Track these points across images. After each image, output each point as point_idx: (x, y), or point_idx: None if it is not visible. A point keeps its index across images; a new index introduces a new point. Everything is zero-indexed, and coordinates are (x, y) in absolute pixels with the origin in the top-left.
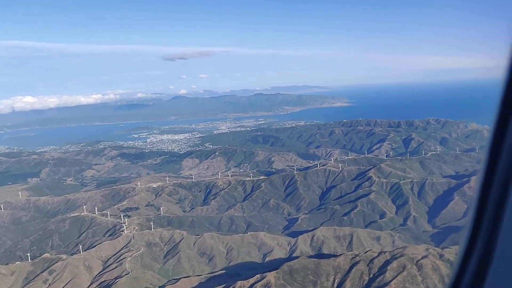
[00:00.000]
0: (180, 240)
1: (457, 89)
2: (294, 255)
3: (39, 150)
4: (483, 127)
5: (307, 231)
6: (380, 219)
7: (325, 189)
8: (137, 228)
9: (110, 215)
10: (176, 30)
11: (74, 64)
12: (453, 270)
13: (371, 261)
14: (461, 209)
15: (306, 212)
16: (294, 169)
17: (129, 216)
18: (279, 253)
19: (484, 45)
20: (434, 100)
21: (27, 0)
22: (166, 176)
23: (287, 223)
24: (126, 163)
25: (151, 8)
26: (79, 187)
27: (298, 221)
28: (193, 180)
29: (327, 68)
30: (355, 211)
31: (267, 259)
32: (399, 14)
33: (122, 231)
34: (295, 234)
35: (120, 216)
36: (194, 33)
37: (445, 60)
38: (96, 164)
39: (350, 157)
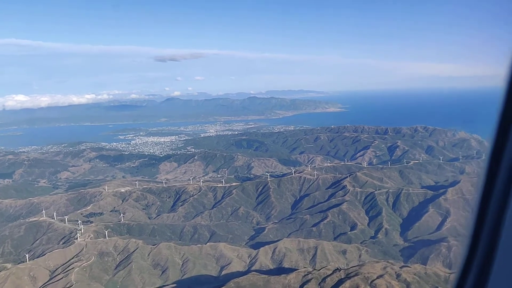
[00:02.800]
0: (135, 250)
1: (455, 97)
2: (253, 268)
3: (20, 150)
4: (471, 136)
5: (270, 243)
6: (350, 230)
7: (298, 198)
8: (92, 236)
9: (69, 221)
10: (168, 31)
11: (70, 63)
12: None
13: (324, 279)
14: (435, 222)
15: (276, 221)
16: (268, 175)
17: (91, 222)
18: (237, 266)
19: (484, 53)
20: (430, 107)
21: None
22: (136, 180)
23: (254, 232)
24: (103, 165)
25: (145, 9)
26: (50, 189)
27: (265, 231)
28: (164, 185)
29: (324, 73)
30: (325, 221)
31: (224, 272)
32: (398, 20)
33: (76, 238)
34: (259, 245)
35: (78, 222)
36: (186, 35)
37: (444, 68)
38: (73, 166)
39: (329, 164)
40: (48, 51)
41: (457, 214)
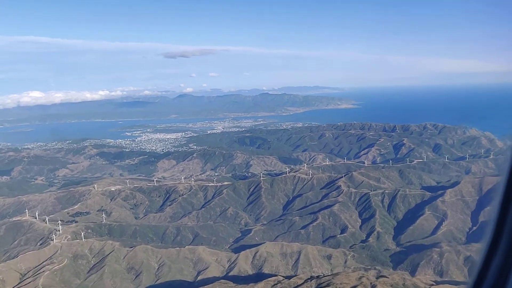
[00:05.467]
0: (110, 253)
1: (473, 93)
2: (231, 273)
3: (24, 147)
4: (483, 134)
5: (254, 246)
6: (340, 234)
7: (291, 198)
8: (69, 237)
9: (53, 221)
10: (187, 28)
11: (87, 60)
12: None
13: None
14: (430, 225)
15: (265, 223)
16: (261, 175)
17: (75, 222)
18: (214, 271)
19: (504, 49)
20: (446, 104)
21: None
22: (129, 178)
23: (240, 234)
24: (103, 162)
25: (162, 5)
26: (45, 187)
27: (251, 234)
28: (155, 183)
29: (340, 69)
30: (314, 224)
31: (200, 277)
32: (416, 16)
33: (52, 240)
34: (243, 248)
35: (58, 222)
36: (202, 32)
37: (463, 64)
38: (72, 163)
39: (327, 163)
40: (66, 48)
41: (454, 217)
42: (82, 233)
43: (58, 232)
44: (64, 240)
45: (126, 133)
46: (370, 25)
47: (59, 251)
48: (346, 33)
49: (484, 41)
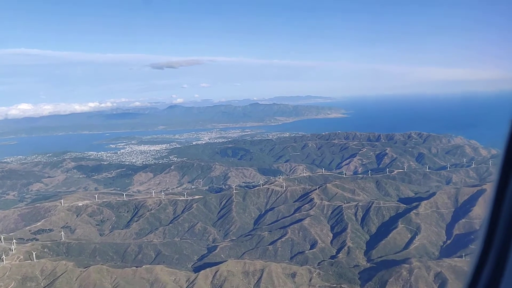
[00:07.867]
0: (62, 274)
1: (464, 101)
2: None
3: (3, 161)
4: (468, 142)
5: (219, 264)
6: (310, 249)
7: (263, 212)
8: (21, 257)
9: (10, 240)
10: (165, 38)
11: (79, 72)
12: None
13: None
14: (403, 239)
15: (234, 238)
16: (233, 187)
17: (37, 240)
18: None
19: (494, 57)
20: (436, 112)
21: (33, 8)
22: (99, 193)
23: (206, 251)
24: (80, 176)
25: (156, 16)
26: (14, 202)
27: (216, 250)
28: (124, 198)
29: (333, 78)
30: (283, 239)
31: None
32: (408, 25)
33: (2, 261)
34: (206, 266)
35: (13, 241)
36: (185, 42)
37: (456, 72)
38: (48, 177)
39: (304, 174)
40: (57, 60)
41: (428, 230)
42: (34, 253)
43: (11, 252)
44: (15, 260)
45: (111, 145)
46: (363, 34)
47: (7, 273)
48: (339, 42)
49: (477, 49)
